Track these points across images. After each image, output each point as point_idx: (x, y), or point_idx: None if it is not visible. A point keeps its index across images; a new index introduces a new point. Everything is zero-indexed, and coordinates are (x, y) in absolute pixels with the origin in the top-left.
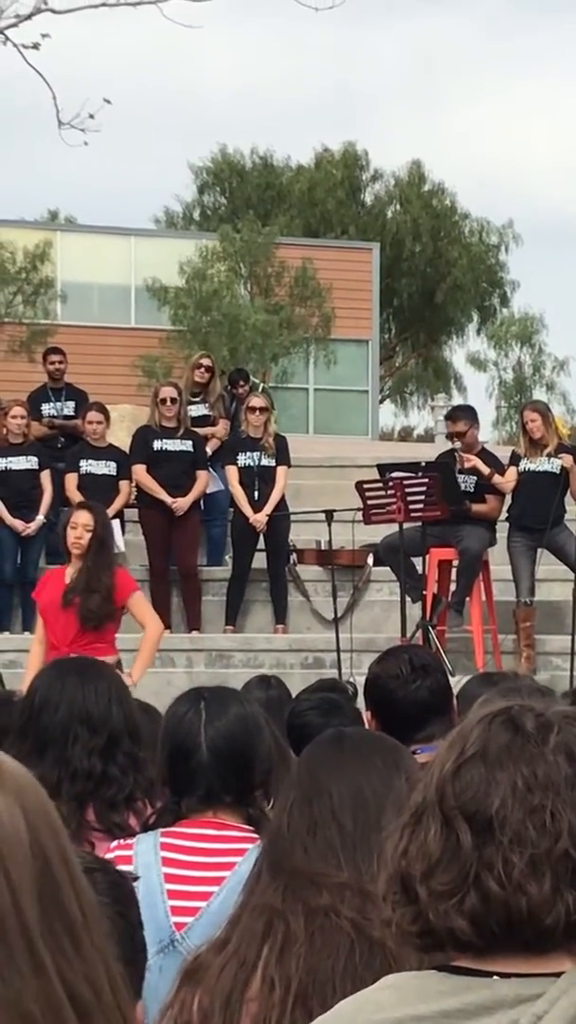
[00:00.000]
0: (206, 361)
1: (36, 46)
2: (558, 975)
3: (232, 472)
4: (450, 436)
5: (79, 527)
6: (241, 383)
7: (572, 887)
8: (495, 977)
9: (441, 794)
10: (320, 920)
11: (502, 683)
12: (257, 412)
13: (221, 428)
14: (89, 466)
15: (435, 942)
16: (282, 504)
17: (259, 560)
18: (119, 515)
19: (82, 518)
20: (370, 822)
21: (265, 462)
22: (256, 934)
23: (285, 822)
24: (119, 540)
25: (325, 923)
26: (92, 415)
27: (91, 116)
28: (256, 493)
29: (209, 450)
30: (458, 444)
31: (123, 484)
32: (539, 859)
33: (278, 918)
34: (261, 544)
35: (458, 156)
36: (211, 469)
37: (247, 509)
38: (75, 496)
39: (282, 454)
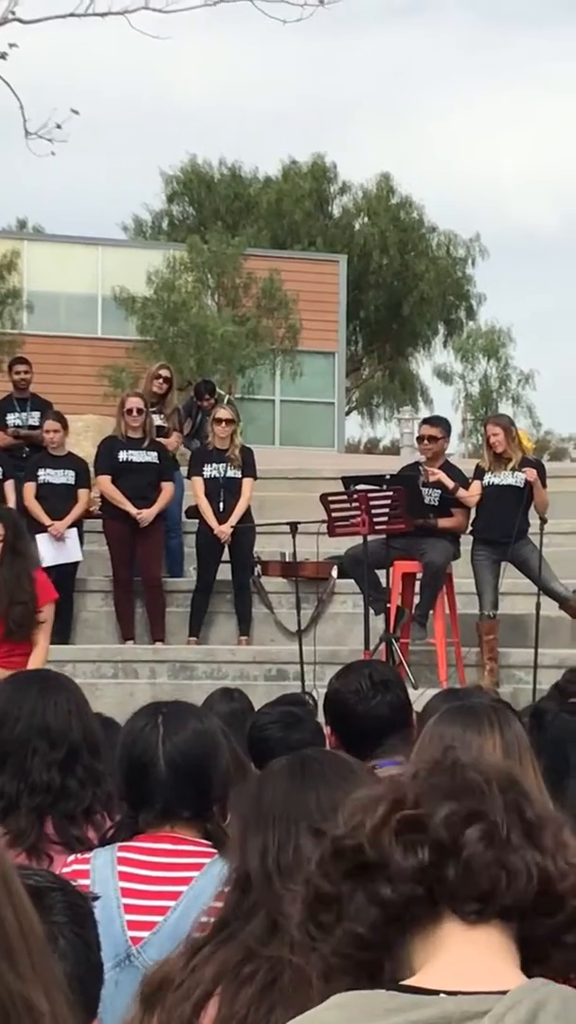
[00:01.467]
0: (164, 372)
1: (3, 56)
2: (504, 993)
3: (198, 484)
4: (420, 438)
5: None
6: (207, 396)
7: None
8: (442, 995)
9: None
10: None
11: (464, 699)
12: (223, 424)
13: (174, 440)
14: (47, 475)
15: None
16: (247, 516)
17: (223, 571)
18: (77, 524)
19: None
20: None
21: (231, 474)
22: (228, 969)
23: (271, 858)
24: (76, 549)
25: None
26: (49, 424)
27: (59, 126)
28: (221, 505)
29: None
30: (425, 457)
31: (81, 493)
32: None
33: (260, 961)
34: (226, 556)
35: (426, 169)
36: None
37: (212, 521)
38: (32, 506)
39: (248, 466)
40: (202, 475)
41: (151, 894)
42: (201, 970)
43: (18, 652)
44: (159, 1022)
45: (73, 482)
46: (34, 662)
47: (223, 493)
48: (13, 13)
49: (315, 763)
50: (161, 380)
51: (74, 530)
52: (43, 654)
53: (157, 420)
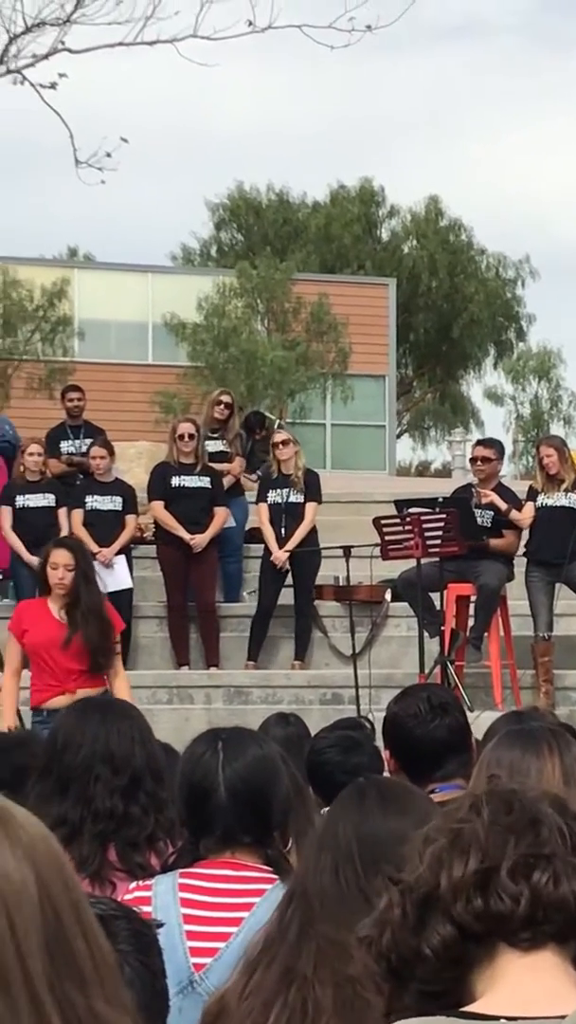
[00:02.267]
0: (225, 398)
1: (53, 85)
2: (563, 1017)
3: (263, 510)
4: (473, 460)
5: (60, 567)
6: (257, 430)
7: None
8: (503, 1021)
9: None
10: (349, 992)
11: (525, 722)
12: (280, 446)
13: (236, 465)
14: (95, 502)
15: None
16: (312, 540)
17: (285, 596)
18: (125, 550)
19: (62, 558)
20: None
21: (293, 499)
22: (276, 997)
23: (318, 882)
24: (125, 576)
25: (354, 995)
26: (95, 450)
27: (108, 155)
28: (283, 530)
29: (224, 486)
30: (477, 478)
31: (129, 519)
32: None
33: (307, 987)
34: (288, 579)
35: (475, 191)
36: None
37: (273, 546)
38: (80, 533)
39: (311, 489)
40: (266, 501)
41: (213, 920)
42: (253, 998)
43: (95, 682)
44: None
45: (120, 508)
46: (122, 691)
47: (285, 518)
48: (63, 43)
49: (374, 790)
50: (222, 406)
51: (122, 557)
52: (127, 681)
53: (220, 445)
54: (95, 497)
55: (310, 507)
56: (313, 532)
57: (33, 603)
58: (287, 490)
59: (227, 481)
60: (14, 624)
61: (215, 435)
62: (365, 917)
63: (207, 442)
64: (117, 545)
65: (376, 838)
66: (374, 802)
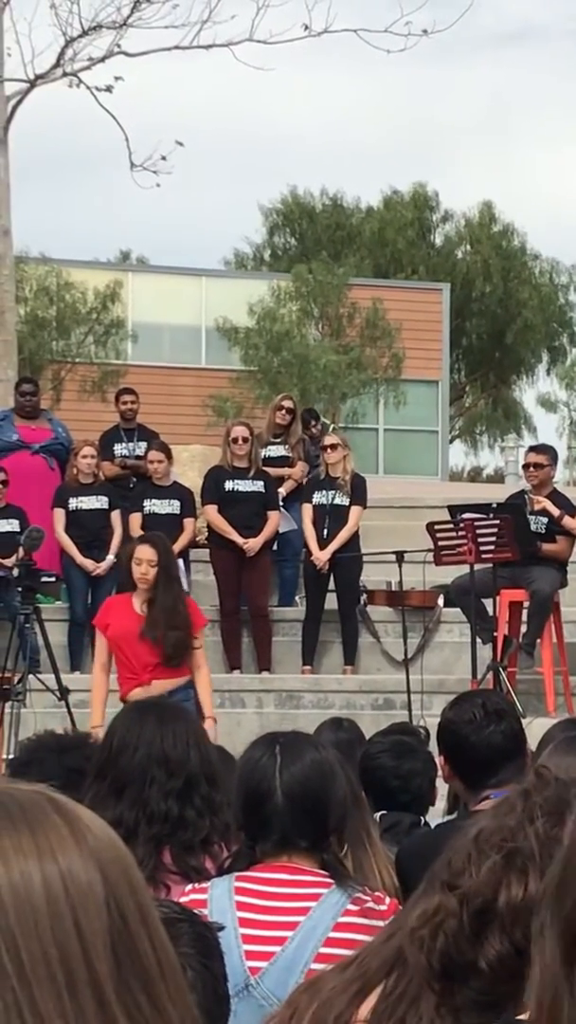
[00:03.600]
0: (288, 403)
1: (109, 88)
2: None
3: (307, 511)
4: (527, 466)
5: (143, 563)
6: (313, 423)
7: None
8: None
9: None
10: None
11: None
12: (328, 450)
13: (298, 470)
14: (153, 505)
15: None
16: (354, 545)
17: (331, 601)
18: (183, 554)
19: (146, 553)
20: None
21: (339, 501)
22: (392, 971)
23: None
24: (183, 580)
25: None
26: (153, 454)
27: (163, 158)
28: (325, 532)
29: (285, 491)
30: (531, 484)
31: (187, 522)
32: None
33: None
34: (332, 584)
35: (529, 197)
36: (284, 509)
37: (314, 548)
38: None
39: (357, 493)
40: (311, 502)
41: (269, 924)
42: (356, 968)
43: (170, 673)
44: (318, 1011)
45: (179, 511)
46: (203, 688)
47: (328, 520)
48: (119, 46)
49: None
50: (284, 411)
51: (180, 561)
52: (208, 679)
53: (282, 450)
54: (153, 501)
55: (354, 511)
56: (355, 537)
57: (119, 598)
58: (333, 492)
59: (289, 486)
60: (100, 618)
61: (277, 440)
62: None
63: (270, 447)
64: (176, 549)
65: None
66: None
